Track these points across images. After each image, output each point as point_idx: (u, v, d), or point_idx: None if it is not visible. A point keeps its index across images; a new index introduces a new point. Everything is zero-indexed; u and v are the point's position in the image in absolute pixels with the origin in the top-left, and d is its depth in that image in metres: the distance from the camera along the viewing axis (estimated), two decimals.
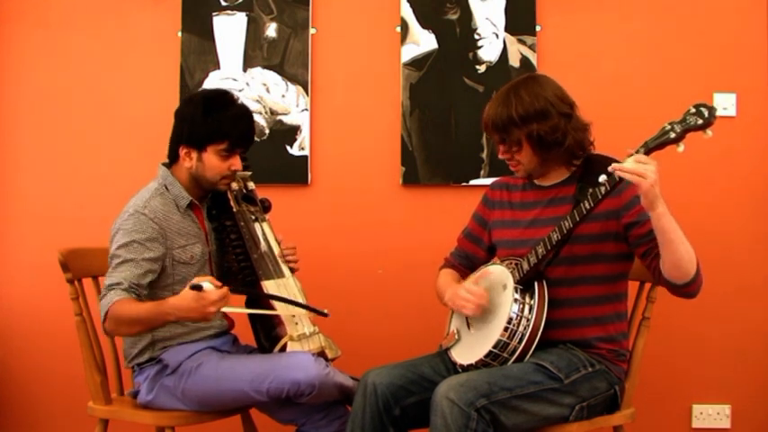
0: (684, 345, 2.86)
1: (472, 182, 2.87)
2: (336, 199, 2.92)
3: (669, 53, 2.88)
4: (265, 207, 2.39)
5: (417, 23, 2.90)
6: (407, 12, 2.90)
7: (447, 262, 2.34)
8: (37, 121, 2.97)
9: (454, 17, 2.90)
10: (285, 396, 2.04)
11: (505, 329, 1.93)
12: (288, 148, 2.91)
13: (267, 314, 2.16)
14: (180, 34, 2.93)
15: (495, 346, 1.94)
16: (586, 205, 1.87)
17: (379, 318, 2.88)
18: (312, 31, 2.92)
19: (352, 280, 2.88)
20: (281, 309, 2.15)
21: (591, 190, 1.87)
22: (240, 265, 2.20)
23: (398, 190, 2.92)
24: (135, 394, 2.21)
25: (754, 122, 2.87)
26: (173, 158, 2.23)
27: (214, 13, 2.93)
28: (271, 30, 2.92)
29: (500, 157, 2.11)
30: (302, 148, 2.91)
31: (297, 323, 2.18)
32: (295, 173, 2.90)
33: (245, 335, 2.28)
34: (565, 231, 1.91)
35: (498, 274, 2.05)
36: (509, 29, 2.88)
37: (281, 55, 2.92)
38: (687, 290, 1.89)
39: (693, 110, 1.78)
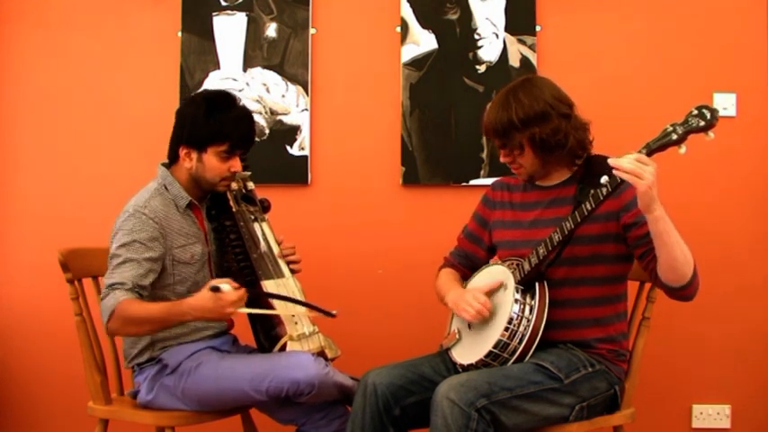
0: (684, 345, 2.86)
1: (472, 182, 2.87)
2: (336, 199, 2.92)
3: (669, 53, 2.89)
4: (265, 207, 2.39)
5: (417, 23, 2.90)
6: (407, 12, 2.90)
7: (447, 261, 2.34)
8: (37, 121, 2.97)
9: (454, 17, 2.90)
10: (285, 395, 2.04)
11: (506, 330, 1.93)
12: (288, 148, 2.91)
13: (277, 314, 2.16)
14: (180, 34, 2.93)
15: (495, 347, 1.94)
16: (587, 206, 1.87)
17: (379, 318, 2.88)
18: (312, 31, 2.92)
19: (352, 280, 2.88)
20: (281, 308, 2.15)
21: (592, 191, 1.87)
22: (240, 265, 2.20)
23: (398, 190, 2.92)
24: (135, 394, 2.21)
25: (754, 122, 2.87)
26: (172, 159, 2.23)
27: (214, 13, 2.93)
28: (271, 30, 2.92)
29: (502, 160, 2.11)
30: (302, 148, 2.91)
31: (296, 323, 2.18)
32: (295, 173, 2.90)
33: (245, 335, 2.28)
34: (566, 232, 1.91)
35: (499, 274, 2.05)
36: (509, 29, 2.88)
37: (281, 55, 2.92)
38: (683, 293, 1.89)
39: (695, 111, 1.78)
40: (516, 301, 1.95)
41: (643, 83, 2.88)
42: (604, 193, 1.84)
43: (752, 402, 2.87)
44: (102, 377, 2.22)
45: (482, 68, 2.89)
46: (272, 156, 2.89)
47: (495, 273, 2.08)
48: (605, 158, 2.00)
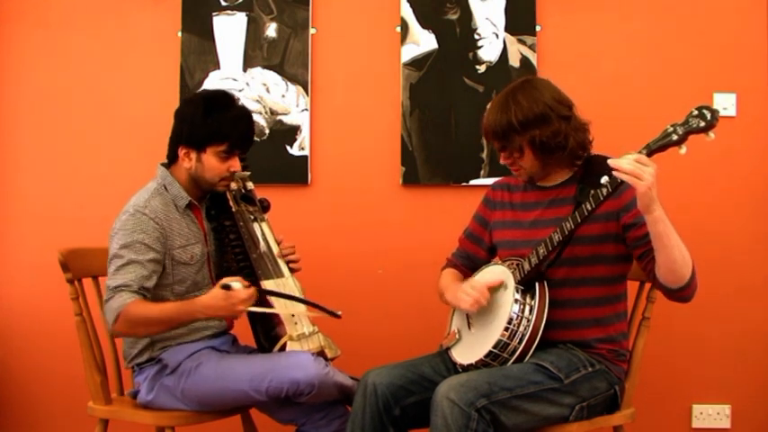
0: (684, 345, 2.86)
1: (472, 182, 2.87)
2: (336, 199, 2.92)
3: (669, 53, 2.88)
4: (264, 207, 2.39)
5: (417, 23, 2.90)
6: (407, 12, 2.90)
7: (449, 262, 2.34)
8: (37, 121, 2.97)
9: (454, 17, 2.90)
10: (285, 395, 2.04)
11: (506, 329, 1.93)
12: (288, 148, 2.91)
13: (284, 312, 2.16)
14: (180, 34, 2.93)
15: (495, 346, 1.94)
16: (588, 206, 1.87)
17: (379, 318, 2.88)
18: (312, 31, 2.92)
19: (352, 280, 2.88)
20: (281, 307, 2.15)
21: (593, 191, 1.87)
22: (239, 265, 2.20)
23: (398, 190, 2.92)
24: (135, 394, 2.21)
25: (754, 122, 2.87)
26: (172, 159, 2.23)
27: (214, 13, 2.93)
28: (271, 30, 2.92)
29: (502, 162, 2.11)
30: (302, 148, 2.91)
31: (296, 323, 2.18)
32: (295, 173, 2.90)
33: (245, 335, 2.28)
34: (566, 232, 1.91)
35: (499, 274, 2.05)
36: (509, 29, 2.88)
37: (281, 55, 2.92)
38: (681, 294, 1.89)
39: (696, 112, 1.78)
40: (516, 301, 1.95)
41: (643, 83, 2.88)
42: (605, 194, 1.84)
43: (752, 402, 2.87)
44: (102, 377, 2.22)
45: (482, 68, 2.89)
46: (272, 156, 2.89)
47: (496, 272, 2.08)
48: (605, 158, 2.00)
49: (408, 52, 2.90)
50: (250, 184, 2.37)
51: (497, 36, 2.89)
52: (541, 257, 1.94)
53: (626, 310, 2.12)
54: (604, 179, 1.83)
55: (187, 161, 2.18)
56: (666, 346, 2.80)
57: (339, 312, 2.10)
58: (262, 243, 2.26)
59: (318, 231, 2.89)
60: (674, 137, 1.78)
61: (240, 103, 2.22)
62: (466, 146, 2.87)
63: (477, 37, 2.89)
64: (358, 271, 2.89)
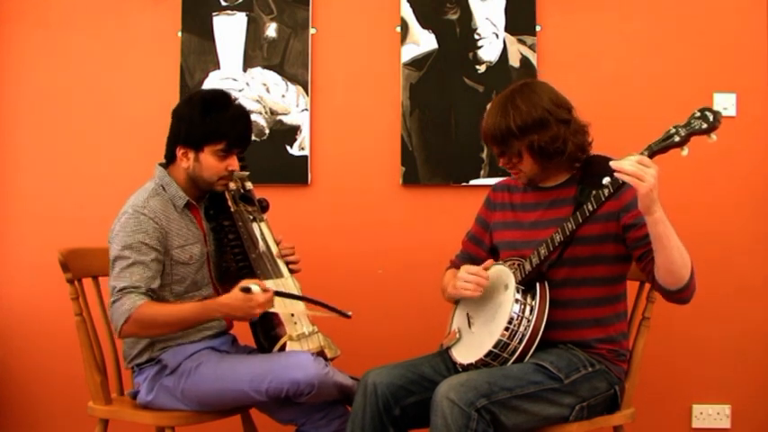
0: (684, 345, 2.86)
1: (472, 182, 2.87)
2: (336, 199, 2.92)
3: (669, 53, 2.88)
4: (263, 207, 2.39)
5: (417, 23, 2.90)
6: (407, 12, 2.90)
7: (452, 263, 2.34)
8: (37, 121, 2.97)
9: (454, 17, 2.90)
10: (284, 396, 2.04)
11: (506, 329, 1.93)
12: (288, 148, 2.91)
13: (296, 312, 2.17)
14: (180, 34, 2.93)
15: (495, 346, 1.94)
16: (589, 207, 1.87)
17: (379, 318, 2.88)
18: (312, 31, 2.92)
19: (352, 280, 2.88)
20: (280, 308, 2.15)
21: (594, 192, 1.87)
22: (238, 266, 2.20)
23: (398, 190, 2.92)
24: (135, 395, 2.20)
25: (754, 122, 2.87)
26: (170, 158, 2.23)
27: (214, 13, 2.93)
28: (271, 30, 2.92)
29: (500, 165, 2.11)
30: (302, 148, 2.91)
31: (296, 323, 2.18)
32: (295, 173, 2.90)
33: (245, 335, 2.28)
34: (567, 233, 1.91)
35: (500, 273, 2.05)
36: (509, 29, 2.88)
37: (281, 55, 2.92)
38: (680, 296, 1.89)
39: (698, 114, 1.78)
40: (517, 301, 1.95)
41: (643, 83, 2.88)
42: (606, 194, 1.84)
43: (752, 402, 2.87)
44: (102, 377, 2.22)
45: (482, 68, 2.89)
46: (271, 156, 2.89)
47: (496, 272, 2.08)
48: (605, 159, 2.00)
49: (408, 52, 2.90)
50: (249, 184, 2.37)
51: (497, 36, 2.89)
52: (542, 258, 1.94)
53: (626, 310, 2.12)
54: (606, 180, 1.83)
55: (185, 161, 2.18)
56: (666, 346, 2.80)
57: (350, 313, 2.10)
58: (261, 243, 2.26)
59: (318, 231, 2.90)
60: (676, 138, 1.78)
61: (237, 102, 2.22)
62: (466, 146, 2.87)
63: (477, 37, 2.89)
64: (358, 271, 2.89)
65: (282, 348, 2.13)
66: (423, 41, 2.90)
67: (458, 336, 2.11)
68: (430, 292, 2.31)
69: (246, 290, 1.99)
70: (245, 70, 2.92)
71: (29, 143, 2.97)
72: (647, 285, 2.20)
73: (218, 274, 2.30)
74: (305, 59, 2.91)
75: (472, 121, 2.83)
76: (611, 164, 1.77)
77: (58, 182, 2.95)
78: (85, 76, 2.96)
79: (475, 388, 1.82)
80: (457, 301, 2.20)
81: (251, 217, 2.30)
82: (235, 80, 2.91)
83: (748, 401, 2.87)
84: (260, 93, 2.91)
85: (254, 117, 2.84)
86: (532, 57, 2.87)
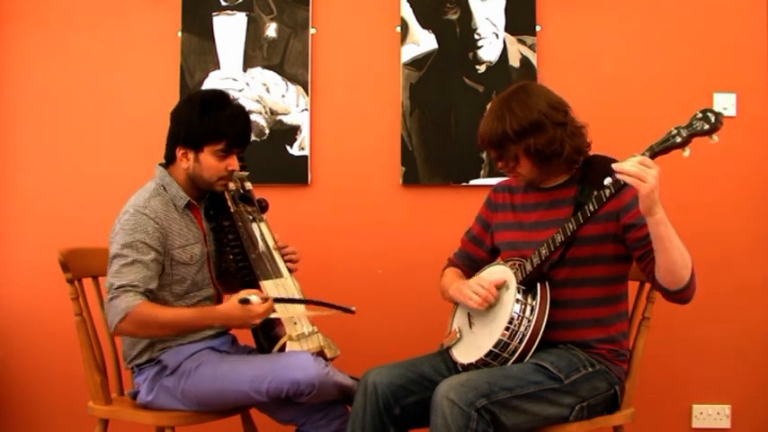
0: (684, 345, 2.86)
1: (472, 182, 2.87)
2: (336, 199, 2.92)
3: (669, 53, 2.88)
4: (263, 207, 2.39)
5: (417, 23, 2.90)
6: (407, 12, 2.90)
7: (450, 262, 2.34)
8: (37, 121, 2.97)
9: (454, 17, 2.90)
10: (285, 396, 2.04)
11: (506, 329, 1.93)
12: (288, 148, 2.91)
13: (281, 316, 2.16)
14: (180, 34, 2.93)
15: (495, 346, 1.94)
16: (590, 207, 1.87)
17: (379, 318, 2.88)
18: (312, 31, 2.92)
19: (352, 280, 2.88)
20: (282, 311, 2.15)
21: (596, 192, 1.86)
22: (238, 266, 2.20)
23: (398, 190, 2.92)
24: (134, 395, 2.20)
25: (754, 122, 2.87)
26: (169, 159, 2.23)
27: (214, 13, 2.93)
28: (271, 30, 2.92)
29: (498, 169, 2.11)
30: (302, 148, 2.91)
31: (296, 323, 2.18)
32: (295, 173, 2.90)
33: (244, 335, 2.28)
34: (569, 233, 1.91)
35: (501, 274, 2.05)
36: (509, 29, 2.88)
37: (281, 55, 2.92)
38: (680, 296, 1.89)
39: (700, 114, 1.78)
40: (518, 301, 1.95)
41: (643, 83, 2.88)
42: (607, 195, 1.84)
43: (752, 402, 2.87)
44: (102, 377, 2.22)
45: (482, 68, 2.89)
46: (271, 156, 2.89)
47: (497, 272, 2.08)
48: (605, 159, 2.01)
49: (408, 52, 2.90)
50: (248, 185, 2.37)
51: (497, 36, 2.89)
52: (543, 258, 1.94)
53: (627, 310, 2.12)
54: (607, 180, 1.83)
55: (185, 161, 2.18)
56: (666, 346, 2.80)
57: (353, 308, 2.10)
58: (260, 243, 2.26)
59: (318, 231, 2.90)
60: (678, 139, 1.78)
61: (236, 101, 2.22)
62: (466, 146, 2.87)
63: (477, 37, 2.89)
64: (358, 271, 2.89)
65: (282, 348, 2.13)
66: (423, 41, 2.90)
67: (458, 335, 2.11)
68: (430, 292, 2.31)
69: (245, 301, 2.02)
70: (245, 70, 2.92)
71: (29, 143, 2.97)
72: (648, 285, 2.20)
73: (218, 274, 2.30)
74: (305, 59, 2.91)
75: (472, 121, 2.82)
76: (614, 166, 1.77)
77: (58, 182, 2.95)
78: (85, 76, 2.96)
79: (475, 388, 1.82)
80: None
81: (250, 217, 2.30)
82: (235, 80, 2.91)
83: (748, 401, 2.87)
84: (260, 93, 2.91)
85: (254, 117, 2.84)
86: (532, 57, 2.87)
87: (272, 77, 2.92)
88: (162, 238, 2.11)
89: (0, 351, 2.96)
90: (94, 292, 2.31)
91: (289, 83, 2.91)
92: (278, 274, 2.24)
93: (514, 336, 1.93)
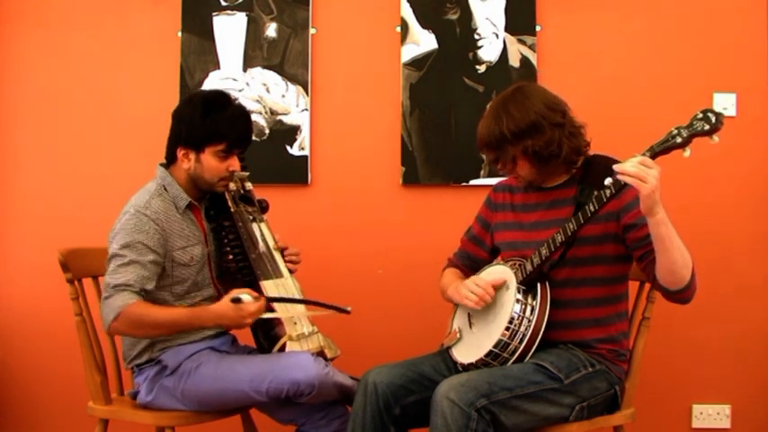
0: (684, 345, 2.86)
1: (472, 182, 2.87)
2: (336, 199, 2.92)
3: (669, 53, 2.88)
4: (263, 207, 2.39)
5: (417, 23, 2.90)
6: (407, 12, 2.90)
7: (450, 262, 2.34)
8: (37, 121, 2.97)
9: (454, 17, 2.90)
10: (285, 396, 2.04)
11: (507, 329, 1.93)
12: (288, 148, 2.91)
13: (281, 316, 2.16)
14: (180, 34, 2.93)
15: (495, 346, 1.94)
16: (591, 207, 1.87)
17: (379, 318, 2.88)
18: (312, 31, 2.92)
19: (352, 280, 2.88)
20: (282, 310, 2.15)
21: (596, 193, 1.86)
22: (238, 266, 2.20)
23: (398, 190, 2.92)
24: (134, 395, 2.20)
25: (754, 122, 2.87)
26: (170, 159, 2.23)
27: (214, 13, 2.93)
28: (271, 30, 2.92)
29: (497, 170, 2.11)
30: (302, 148, 2.91)
31: (296, 323, 2.18)
32: (295, 173, 2.90)
33: (244, 335, 2.28)
34: (569, 233, 1.91)
35: (502, 273, 2.05)
36: (509, 29, 2.88)
37: (281, 55, 2.92)
38: (680, 296, 1.89)
39: (700, 115, 1.78)
40: (518, 301, 1.95)
41: (643, 83, 2.88)
42: (608, 195, 1.84)
43: (752, 402, 2.87)
44: (102, 377, 2.22)
45: (482, 68, 2.89)
46: (271, 156, 2.89)
47: (497, 272, 2.08)
48: (605, 158, 2.01)
49: (408, 52, 2.90)
50: (249, 185, 2.37)
51: (497, 36, 2.89)
52: (544, 258, 1.94)
53: (627, 310, 2.12)
54: (608, 180, 1.83)
55: (186, 162, 2.18)
56: (666, 346, 2.80)
57: (348, 308, 2.10)
58: (261, 243, 2.26)
59: (318, 231, 2.90)
60: (678, 140, 1.77)
61: (237, 102, 2.22)
62: (466, 146, 2.87)
63: (477, 37, 2.89)
64: (358, 271, 2.89)
65: (282, 348, 2.13)
66: (423, 41, 2.90)
67: (458, 335, 2.11)
68: (430, 292, 2.31)
69: (237, 300, 2.02)
70: (245, 70, 2.92)
71: (29, 143, 2.97)
72: (648, 285, 2.20)
73: (219, 274, 2.30)
74: (305, 59, 2.91)
75: (472, 121, 2.81)
76: (614, 167, 1.77)
77: (58, 182, 2.95)
78: (85, 76, 2.96)
79: (475, 388, 1.82)
80: None
81: (251, 217, 2.30)
82: (235, 80, 2.91)
83: (748, 401, 2.87)
84: (260, 93, 2.91)
85: (254, 117, 2.84)
86: (532, 57, 2.87)
87: (272, 77, 2.92)
88: (162, 239, 2.11)
89: (0, 351, 2.96)
90: (94, 292, 2.31)
91: (289, 83, 2.91)
92: (278, 274, 2.24)
93: (514, 336, 1.93)
